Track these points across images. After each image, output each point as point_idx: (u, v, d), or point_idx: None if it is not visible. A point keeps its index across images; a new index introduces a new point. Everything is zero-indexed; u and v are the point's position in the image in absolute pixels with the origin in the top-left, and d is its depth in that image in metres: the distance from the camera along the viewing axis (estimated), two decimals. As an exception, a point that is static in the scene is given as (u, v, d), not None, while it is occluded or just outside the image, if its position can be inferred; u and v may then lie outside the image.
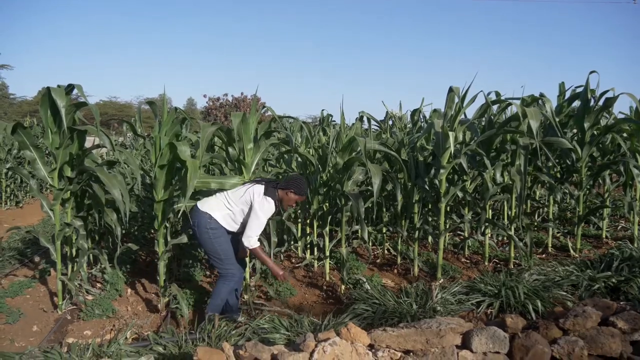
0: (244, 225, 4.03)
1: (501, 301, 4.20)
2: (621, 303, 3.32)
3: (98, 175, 4.08)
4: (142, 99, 55.57)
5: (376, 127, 12.57)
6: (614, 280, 4.43)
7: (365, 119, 7.62)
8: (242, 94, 35.27)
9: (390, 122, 11.21)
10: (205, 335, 3.66)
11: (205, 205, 4.01)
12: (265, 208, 3.92)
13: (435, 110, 6.45)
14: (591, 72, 5.34)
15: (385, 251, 6.22)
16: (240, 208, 4.02)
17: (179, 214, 4.42)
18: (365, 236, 4.59)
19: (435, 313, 4.00)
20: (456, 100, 4.60)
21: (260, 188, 3.98)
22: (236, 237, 4.16)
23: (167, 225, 4.48)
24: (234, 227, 4.11)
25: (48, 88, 4.01)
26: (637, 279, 4.31)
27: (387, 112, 11.97)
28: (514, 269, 5.09)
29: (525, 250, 5.02)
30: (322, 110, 12.54)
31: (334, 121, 12.54)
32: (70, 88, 4.11)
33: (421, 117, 7.22)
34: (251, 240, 3.94)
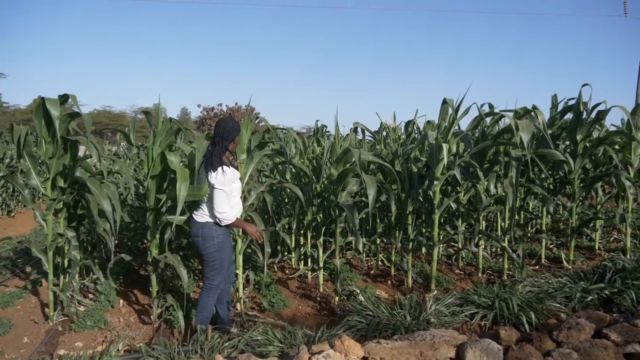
0: (233, 207, 3.91)
1: (495, 313, 4.20)
2: (614, 315, 3.33)
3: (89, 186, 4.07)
4: (136, 108, 55.58)
5: (370, 138, 12.62)
6: (607, 292, 4.44)
7: (359, 130, 7.62)
8: (236, 104, 35.36)
9: (384, 133, 11.26)
10: (197, 347, 3.63)
11: (203, 212, 3.91)
12: (224, 180, 3.73)
13: (428, 122, 6.47)
14: (584, 85, 5.38)
15: (379, 262, 6.22)
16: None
17: (173, 226, 4.39)
18: (360, 247, 4.58)
19: (429, 325, 3.99)
20: (450, 112, 4.63)
21: (212, 170, 3.76)
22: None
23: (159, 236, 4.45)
24: (236, 215, 3.96)
25: (43, 98, 4.01)
26: (629, 290, 4.32)
27: (381, 123, 12.01)
28: (507, 281, 5.10)
29: (518, 261, 5.03)
30: (317, 121, 12.54)
31: (328, 132, 12.59)
32: (64, 98, 4.11)
33: (415, 128, 7.24)
34: (225, 214, 3.78)
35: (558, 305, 4.31)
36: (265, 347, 3.68)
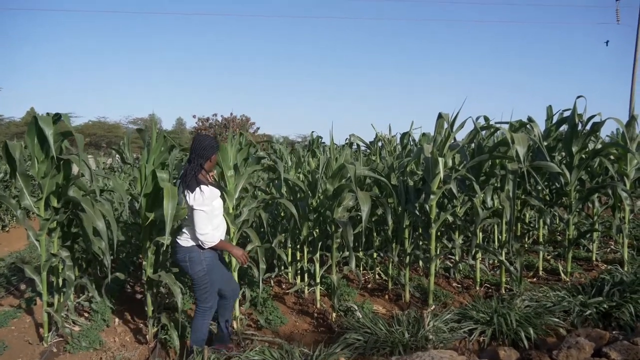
0: (217, 227, 3.84)
1: (493, 329, 4.17)
2: (614, 332, 3.31)
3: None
4: (131, 119, 55.61)
5: (366, 149, 12.60)
6: (605, 306, 4.41)
7: (355, 143, 7.63)
8: (231, 114, 35.44)
9: (379, 144, 11.26)
10: (194, 368, 3.60)
11: (187, 236, 3.81)
12: (203, 201, 3.62)
13: (424, 134, 6.49)
14: (578, 97, 5.39)
15: (377, 275, 6.18)
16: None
17: (164, 246, 4.35)
18: (353, 266, 4.55)
19: (427, 342, 3.96)
20: (445, 126, 4.62)
21: (189, 190, 3.67)
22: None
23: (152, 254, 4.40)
24: (218, 238, 3.86)
25: (35, 117, 3.98)
26: (628, 304, 4.30)
27: (376, 134, 12.02)
28: (505, 294, 5.07)
29: (516, 275, 5.00)
30: (312, 132, 12.55)
31: (324, 143, 12.58)
32: (57, 117, 4.08)
33: (411, 140, 7.24)
34: (207, 237, 3.68)
35: (557, 320, 4.29)
36: (262, 368, 3.65)
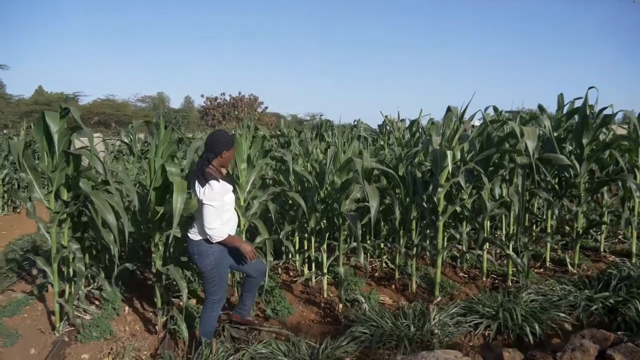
0: (227, 222, 3.87)
1: (499, 323, 4.20)
2: (619, 333, 3.32)
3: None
4: (139, 97, 55.64)
5: (374, 133, 12.55)
6: (611, 301, 4.43)
7: (362, 128, 7.61)
8: (239, 93, 35.32)
9: (388, 128, 11.21)
10: (202, 361, 3.66)
11: (196, 230, 3.86)
12: (211, 195, 3.63)
13: (433, 123, 6.43)
14: (590, 88, 5.32)
15: (384, 264, 6.21)
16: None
17: (173, 240, 4.39)
18: (362, 260, 4.57)
19: (432, 336, 4.00)
20: (454, 120, 4.58)
21: (200, 184, 3.68)
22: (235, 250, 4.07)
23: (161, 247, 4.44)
24: (227, 233, 3.89)
25: (43, 113, 3.99)
26: (634, 300, 4.30)
27: (385, 117, 11.96)
28: (511, 287, 5.09)
29: (523, 267, 5.01)
30: (320, 115, 12.48)
31: (332, 124, 12.53)
32: (65, 111, 4.09)
33: (419, 128, 7.20)
34: (214, 231, 3.70)
35: (563, 315, 4.31)
36: (269, 362, 3.70)
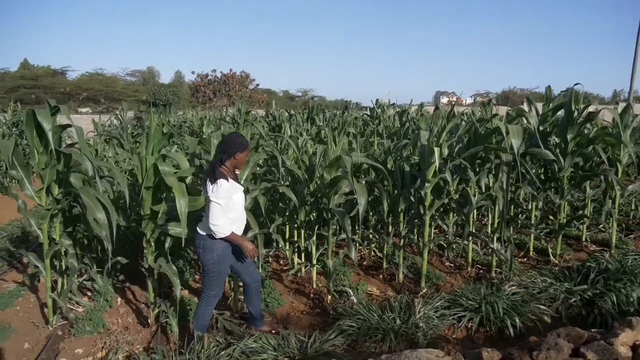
0: (234, 221, 3.98)
1: (481, 316, 4.35)
2: (592, 330, 3.46)
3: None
4: (128, 71, 54.97)
5: (366, 115, 12.59)
6: (589, 294, 4.59)
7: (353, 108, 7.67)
8: (230, 70, 35.05)
9: (379, 111, 11.26)
10: (195, 356, 3.77)
11: (204, 225, 3.97)
12: (219, 192, 3.73)
13: (422, 115, 6.50)
14: (575, 84, 5.41)
15: (372, 252, 6.34)
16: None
17: (168, 243, 4.46)
18: (352, 255, 4.66)
19: (417, 330, 4.14)
20: (441, 118, 4.66)
21: (210, 182, 3.81)
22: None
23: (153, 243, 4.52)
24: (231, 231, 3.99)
25: (33, 110, 4.02)
26: (611, 293, 4.47)
27: (376, 100, 12.00)
28: (495, 278, 5.24)
29: (506, 261, 5.15)
30: (312, 97, 12.55)
31: (323, 110, 12.54)
32: (55, 109, 4.12)
33: (409, 118, 7.27)
34: (218, 228, 3.80)
35: (543, 307, 4.47)
36: (259, 355, 3.82)
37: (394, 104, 11.73)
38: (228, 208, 3.85)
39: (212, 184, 3.77)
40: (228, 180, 3.80)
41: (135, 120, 14.18)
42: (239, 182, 4.01)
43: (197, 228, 4.04)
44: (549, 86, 6.30)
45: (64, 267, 4.72)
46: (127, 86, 45.15)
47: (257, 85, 36.80)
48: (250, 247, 3.99)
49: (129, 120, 12.32)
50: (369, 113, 12.55)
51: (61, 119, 4.35)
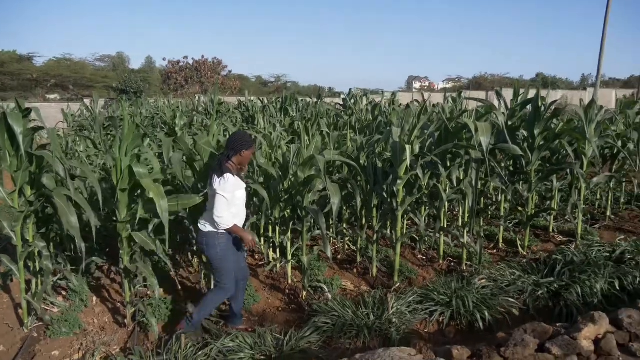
0: (235, 215, 4.13)
1: (452, 310, 4.49)
2: (557, 325, 3.61)
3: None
4: (97, 56, 53.82)
5: (339, 105, 12.65)
6: (556, 286, 4.77)
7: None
8: (202, 56, 34.67)
9: (352, 102, 11.32)
10: (172, 356, 3.82)
11: (205, 222, 4.15)
12: (225, 186, 3.92)
13: (394, 109, 6.58)
14: (537, 74, 5.55)
15: (346, 246, 6.44)
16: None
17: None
18: (328, 253, 4.76)
19: (390, 325, 4.25)
20: (412, 117, 4.74)
21: (216, 176, 3.98)
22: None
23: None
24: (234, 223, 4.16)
25: (4, 113, 3.97)
26: (576, 285, 4.65)
27: (350, 90, 12.07)
28: (466, 271, 5.40)
29: (476, 254, 5.30)
30: (284, 89, 12.58)
31: (296, 100, 12.53)
32: (27, 111, 4.08)
33: (382, 111, 7.35)
34: (222, 220, 3.97)
35: (512, 300, 4.63)
36: (236, 355, 3.89)
37: (366, 94, 11.81)
38: (232, 203, 4.03)
39: (218, 178, 3.95)
40: (234, 175, 4.00)
41: (105, 109, 13.98)
42: (243, 180, 4.20)
43: (199, 225, 4.20)
44: (518, 80, 6.46)
45: (37, 268, 4.70)
46: (97, 72, 44.21)
47: (230, 71, 36.56)
48: (250, 239, 4.21)
49: (100, 113, 12.16)
50: (341, 102, 12.64)
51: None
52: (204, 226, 4.16)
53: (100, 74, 41.99)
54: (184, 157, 4.77)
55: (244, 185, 4.20)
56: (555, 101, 5.53)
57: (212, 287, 4.36)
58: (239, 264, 4.43)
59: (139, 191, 4.48)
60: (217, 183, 3.94)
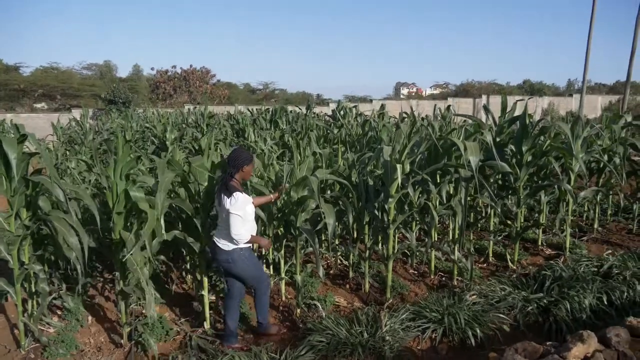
0: (249, 230, 4.37)
1: (444, 327, 4.57)
2: (548, 344, 3.70)
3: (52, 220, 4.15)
4: (85, 64, 53.51)
5: (329, 117, 12.73)
6: (545, 301, 4.87)
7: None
8: (190, 66, 34.63)
9: (342, 113, 11.41)
10: (169, 378, 3.87)
11: (227, 241, 4.33)
12: (237, 205, 4.14)
13: (384, 125, 6.68)
14: (529, 98, 5.69)
15: (338, 261, 6.51)
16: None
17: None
18: (321, 273, 4.86)
19: (384, 343, 4.33)
20: (403, 137, 4.84)
21: (225, 196, 4.19)
22: None
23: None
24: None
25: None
26: (565, 301, 4.75)
27: (339, 102, 12.17)
28: (457, 287, 5.49)
29: (467, 270, 5.40)
30: (274, 100, 12.66)
31: (286, 112, 12.60)
32: (23, 137, 4.12)
33: (372, 126, 7.45)
34: (240, 236, 4.22)
35: (502, 316, 4.73)
36: (233, 376, 3.95)
37: (355, 106, 11.94)
38: (245, 219, 4.26)
39: (228, 198, 4.15)
40: (242, 193, 4.21)
41: (94, 120, 13.97)
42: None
43: (219, 245, 4.37)
44: (505, 94, 6.58)
45: (33, 290, 4.72)
46: (84, 80, 43.92)
47: (218, 80, 36.61)
48: (266, 242, 4.55)
49: (90, 127, 12.14)
50: (330, 114, 12.74)
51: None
52: (226, 245, 4.34)
53: (87, 83, 41.74)
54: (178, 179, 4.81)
55: (251, 200, 4.40)
56: (542, 119, 5.65)
57: (254, 294, 4.69)
58: (235, 283, 4.56)
59: (134, 213, 4.54)
60: (228, 203, 4.13)
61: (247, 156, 4.35)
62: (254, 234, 4.48)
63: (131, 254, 4.13)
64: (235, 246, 4.32)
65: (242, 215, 4.19)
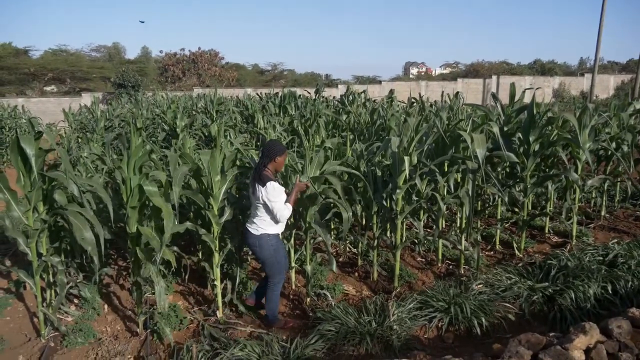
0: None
1: (450, 316, 4.68)
2: (551, 335, 3.79)
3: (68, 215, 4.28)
4: (93, 46, 53.60)
5: (337, 102, 12.76)
6: (550, 290, 4.96)
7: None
8: (199, 48, 34.60)
9: (350, 98, 11.45)
10: (184, 366, 4.02)
11: (257, 226, 4.54)
12: (274, 193, 4.34)
13: (393, 114, 6.72)
14: (537, 88, 5.72)
15: (347, 248, 6.62)
16: (269, 211, 4.46)
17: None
18: (334, 267, 5.00)
19: (392, 332, 4.45)
20: (410, 130, 4.90)
21: (259, 184, 4.36)
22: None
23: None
24: (282, 228, 4.73)
25: (17, 137, 4.13)
26: (570, 290, 4.84)
27: (348, 87, 12.20)
28: (464, 275, 5.58)
29: (473, 260, 5.49)
30: (283, 87, 12.66)
31: (295, 98, 12.64)
32: (39, 135, 4.24)
33: (380, 115, 7.50)
34: (286, 215, 4.46)
35: (508, 305, 4.83)
36: (245, 365, 4.09)
37: (364, 91, 11.95)
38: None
39: (262, 187, 4.34)
40: (277, 182, 4.42)
41: (104, 104, 14.09)
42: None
43: (249, 229, 4.58)
44: (513, 84, 6.58)
45: (51, 280, 4.88)
46: (93, 63, 44.01)
47: (227, 63, 36.57)
48: (302, 184, 4.71)
49: (101, 113, 12.22)
50: (339, 99, 12.78)
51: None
52: (256, 230, 4.53)
53: (96, 65, 41.85)
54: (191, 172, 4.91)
55: (284, 189, 4.56)
56: (549, 110, 5.68)
57: (267, 284, 4.78)
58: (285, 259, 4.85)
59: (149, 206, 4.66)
60: (266, 194, 4.33)
61: (281, 147, 4.54)
62: (284, 224, 4.71)
63: (157, 251, 4.25)
64: (264, 231, 4.51)
65: (282, 199, 4.41)
